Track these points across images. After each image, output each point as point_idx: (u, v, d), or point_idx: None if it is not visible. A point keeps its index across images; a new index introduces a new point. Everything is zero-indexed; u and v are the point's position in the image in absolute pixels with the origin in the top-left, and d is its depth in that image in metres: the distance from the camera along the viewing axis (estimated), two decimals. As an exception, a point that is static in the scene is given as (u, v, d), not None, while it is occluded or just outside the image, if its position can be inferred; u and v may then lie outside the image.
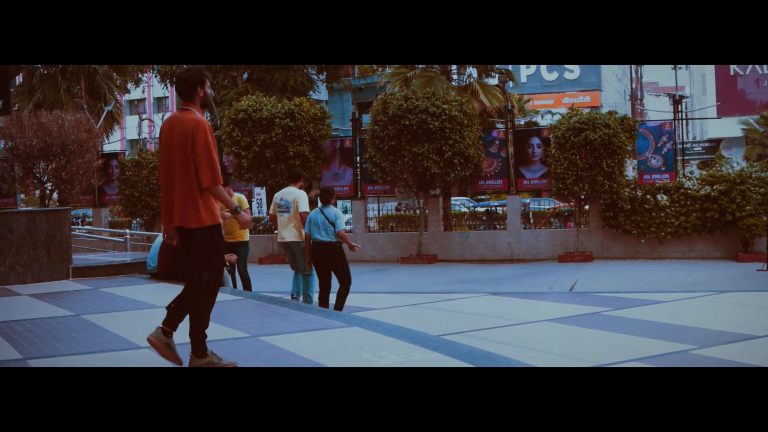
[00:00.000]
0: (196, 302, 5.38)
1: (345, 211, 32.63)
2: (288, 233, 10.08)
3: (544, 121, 39.81)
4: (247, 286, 12.36)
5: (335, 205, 10.25)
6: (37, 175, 21.47)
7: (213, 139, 5.32)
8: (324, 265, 9.79)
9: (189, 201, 5.27)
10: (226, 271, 11.91)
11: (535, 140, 21.12)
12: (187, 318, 5.46)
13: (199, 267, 5.36)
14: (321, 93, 45.10)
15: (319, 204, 9.88)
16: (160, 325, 5.43)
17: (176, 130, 5.32)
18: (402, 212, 25.02)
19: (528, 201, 26.71)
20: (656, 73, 70.78)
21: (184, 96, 5.47)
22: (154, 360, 5.94)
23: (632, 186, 19.91)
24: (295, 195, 10.07)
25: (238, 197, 12.22)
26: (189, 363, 5.44)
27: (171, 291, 10.59)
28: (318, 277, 10.04)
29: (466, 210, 26.70)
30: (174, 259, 11.60)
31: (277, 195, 10.27)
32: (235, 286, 12.26)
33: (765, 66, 50.25)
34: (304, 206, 9.96)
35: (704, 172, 21.25)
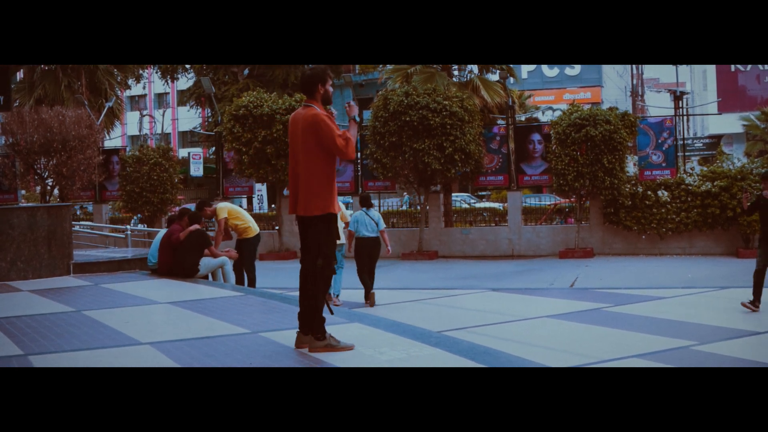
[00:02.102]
0: (314, 288, 5.81)
1: (346, 207, 32.66)
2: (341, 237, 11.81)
3: (545, 117, 39.79)
4: (251, 283, 12.37)
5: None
6: (38, 171, 21.46)
7: (334, 125, 5.68)
8: (368, 255, 11.99)
9: (309, 191, 5.72)
10: (228, 268, 11.92)
11: (536, 136, 21.10)
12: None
13: (315, 254, 5.77)
14: (322, 89, 45.01)
15: (363, 208, 12.20)
16: (310, 335, 5.85)
17: (299, 126, 5.75)
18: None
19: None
20: (657, 70, 70.76)
21: (306, 92, 5.88)
22: (155, 358, 5.95)
23: (633, 182, 19.89)
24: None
25: (218, 207, 12.22)
26: (309, 347, 5.83)
27: (171, 287, 10.61)
28: (359, 266, 12.07)
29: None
30: (174, 256, 11.62)
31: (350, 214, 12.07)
32: (241, 283, 12.28)
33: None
34: (347, 215, 12.04)
35: (705, 168, 21.24)
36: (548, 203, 26.19)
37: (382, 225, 12.13)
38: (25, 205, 22.40)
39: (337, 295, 11.94)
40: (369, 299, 11.90)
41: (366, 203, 12.28)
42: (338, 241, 10.97)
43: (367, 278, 12.07)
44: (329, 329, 5.94)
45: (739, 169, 19.64)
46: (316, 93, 5.82)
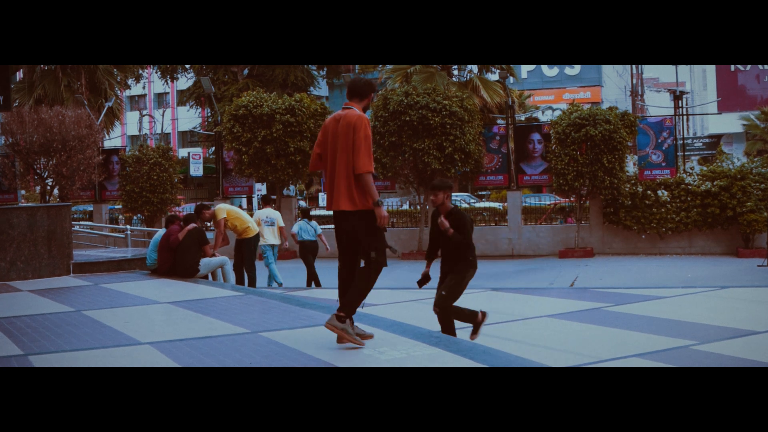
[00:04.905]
0: (365, 276, 5.95)
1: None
2: (275, 239, 13.96)
3: (545, 116, 39.78)
4: (251, 282, 12.37)
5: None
6: (38, 171, 21.45)
7: (370, 134, 5.92)
8: (312, 254, 14.52)
9: (348, 186, 5.86)
10: (228, 268, 11.93)
11: (536, 136, 21.10)
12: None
13: (367, 249, 5.92)
14: (321, 89, 45.11)
15: (304, 219, 14.87)
16: (335, 312, 5.98)
17: (341, 124, 5.92)
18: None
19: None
20: (657, 69, 70.81)
21: (358, 94, 6.09)
22: (155, 358, 5.94)
23: (633, 182, 19.90)
24: (276, 215, 14.17)
25: (217, 208, 12.26)
26: (327, 320, 5.97)
27: (171, 287, 10.61)
28: (306, 264, 14.56)
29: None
30: (174, 256, 11.61)
31: (262, 213, 14.05)
32: (241, 283, 12.27)
33: (766, 61, 50.21)
34: (282, 223, 14.33)
35: (705, 168, 21.25)
36: (548, 203, 26.19)
37: (319, 230, 14.81)
38: (24, 205, 22.39)
39: (281, 284, 13.67)
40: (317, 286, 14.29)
41: (306, 215, 15.15)
42: (272, 241, 13.80)
43: (314, 272, 14.53)
44: (325, 328, 5.94)
45: (739, 168, 19.65)
46: (366, 98, 6.09)
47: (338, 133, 5.92)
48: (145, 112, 56.04)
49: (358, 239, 5.95)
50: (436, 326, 7.73)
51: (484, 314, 7.74)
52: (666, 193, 19.42)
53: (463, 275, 7.63)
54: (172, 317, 8.16)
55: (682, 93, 34.78)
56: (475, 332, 7.63)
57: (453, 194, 25.25)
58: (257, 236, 12.56)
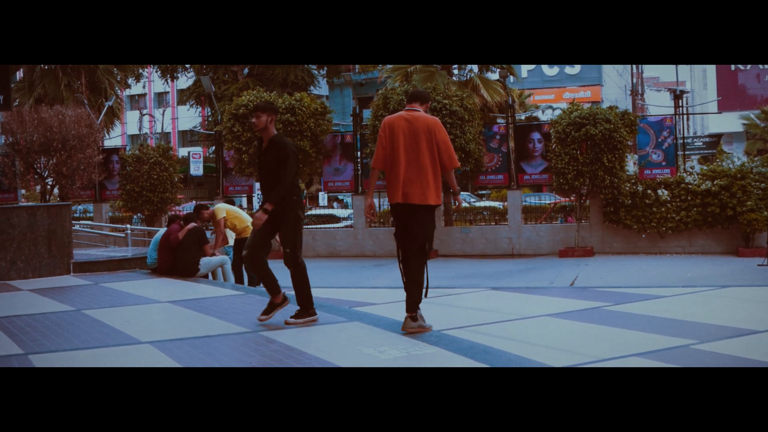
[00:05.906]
0: (419, 269, 6.48)
1: (346, 206, 32.70)
2: None
3: (545, 116, 39.76)
4: (251, 282, 12.37)
5: None
6: (38, 170, 21.44)
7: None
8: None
9: (426, 182, 6.46)
10: (228, 267, 11.92)
11: (536, 135, 21.09)
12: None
13: (422, 239, 6.45)
14: (322, 88, 45.11)
15: None
16: (406, 314, 6.54)
17: (418, 124, 6.46)
18: None
19: None
20: (657, 69, 70.83)
21: (417, 100, 6.67)
22: (155, 357, 5.95)
23: (633, 181, 19.89)
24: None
25: (217, 207, 12.24)
26: (403, 325, 6.49)
27: (171, 286, 10.62)
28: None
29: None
30: (174, 255, 11.61)
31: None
32: (241, 282, 12.27)
33: (766, 61, 50.17)
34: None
35: (705, 167, 21.25)
36: (548, 202, 26.18)
37: None
38: (25, 204, 22.40)
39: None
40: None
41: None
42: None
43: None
44: (330, 326, 5.95)
45: (739, 168, 19.65)
46: (426, 103, 6.69)
47: (415, 132, 6.42)
48: (145, 112, 56.04)
49: (421, 229, 6.46)
50: (436, 325, 7.74)
51: (285, 300, 7.20)
52: (666, 192, 19.42)
53: (294, 225, 6.91)
54: (173, 316, 8.17)
55: (683, 92, 34.80)
56: (268, 312, 7.09)
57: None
58: None
